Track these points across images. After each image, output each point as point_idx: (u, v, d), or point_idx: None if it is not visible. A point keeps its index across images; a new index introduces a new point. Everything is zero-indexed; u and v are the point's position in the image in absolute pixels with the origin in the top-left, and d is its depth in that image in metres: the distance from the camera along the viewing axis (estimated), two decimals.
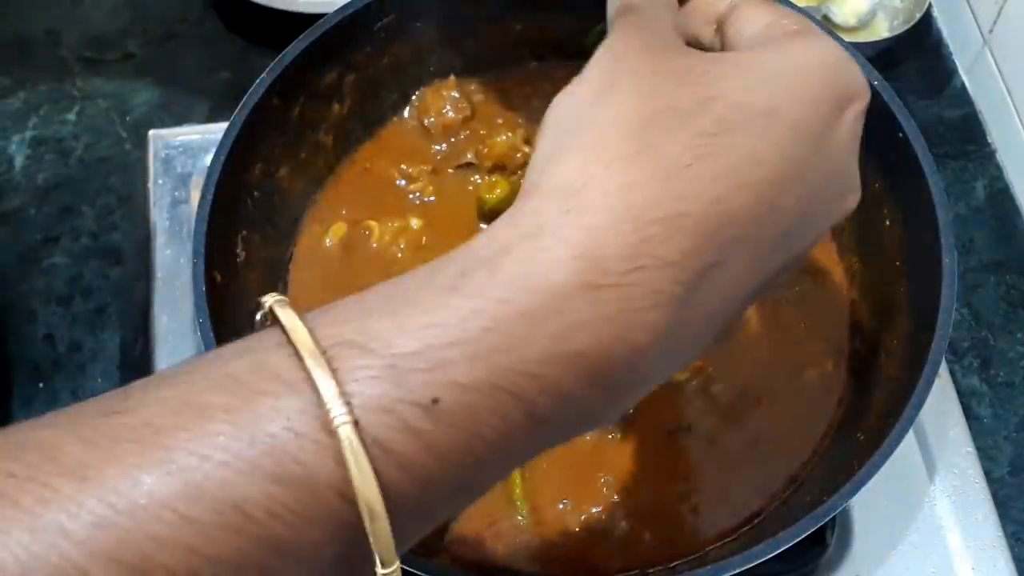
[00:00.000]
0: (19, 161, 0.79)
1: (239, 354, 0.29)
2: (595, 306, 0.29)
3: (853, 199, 0.38)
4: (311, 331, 0.29)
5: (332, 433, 0.27)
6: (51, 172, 0.78)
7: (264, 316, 0.31)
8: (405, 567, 0.49)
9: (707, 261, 0.31)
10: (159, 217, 0.72)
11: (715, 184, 0.31)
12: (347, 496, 0.27)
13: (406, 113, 0.71)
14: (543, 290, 0.29)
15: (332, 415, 0.27)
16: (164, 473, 0.26)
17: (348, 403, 0.28)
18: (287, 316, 0.29)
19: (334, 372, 0.28)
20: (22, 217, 0.76)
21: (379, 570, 0.29)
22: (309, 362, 0.28)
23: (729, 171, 0.32)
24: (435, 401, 0.28)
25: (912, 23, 0.80)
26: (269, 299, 0.31)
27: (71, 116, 0.81)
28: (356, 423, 0.27)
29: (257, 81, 0.61)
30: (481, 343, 0.29)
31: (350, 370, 0.28)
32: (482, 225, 0.67)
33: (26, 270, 0.75)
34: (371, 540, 0.28)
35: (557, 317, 0.29)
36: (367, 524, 0.28)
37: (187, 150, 0.74)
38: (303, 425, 0.27)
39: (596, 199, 0.31)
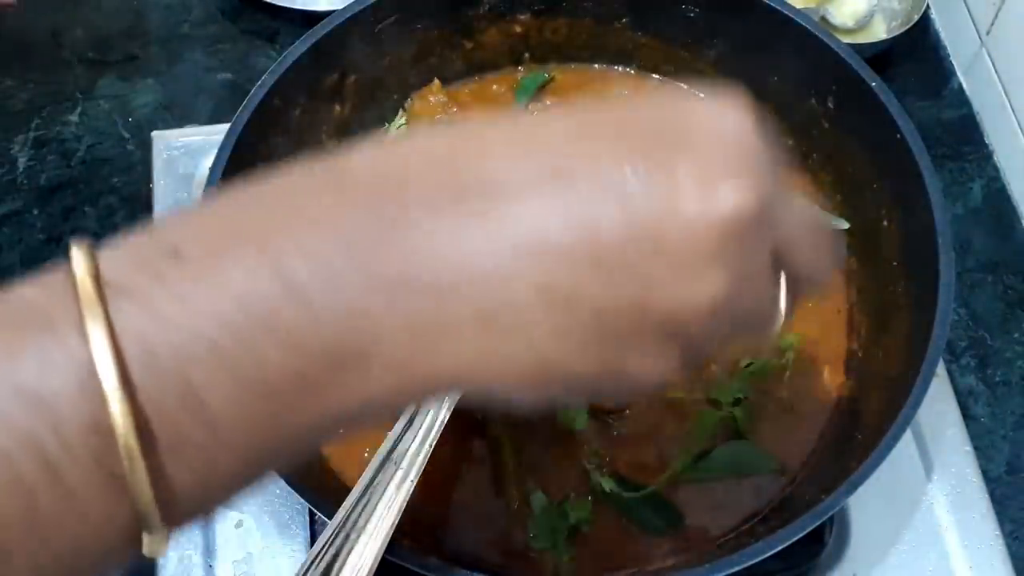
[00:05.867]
0: (22, 162, 0.79)
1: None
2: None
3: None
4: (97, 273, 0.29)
5: (96, 393, 0.27)
6: (53, 173, 0.79)
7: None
8: (401, 564, 0.49)
9: None
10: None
11: None
12: (102, 430, 0.27)
13: (402, 117, 0.71)
14: None
15: (98, 363, 0.27)
16: None
17: (116, 348, 0.27)
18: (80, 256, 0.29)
19: (106, 315, 0.28)
20: (24, 218, 0.77)
21: (145, 537, 0.28)
22: (85, 307, 0.28)
23: None
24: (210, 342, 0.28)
25: (910, 25, 0.80)
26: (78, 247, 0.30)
27: (74, 117, 0.81)
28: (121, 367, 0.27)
29: (259, 82, 0.62)
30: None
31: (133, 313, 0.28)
32: None
33: (28, 272, 0.75)
34: (130, 490, 0.27)
35: None
36: (125, 468, 0.26)
37: (189, 151, 0.75)
38: (65, 370, 0.27)
39: None
